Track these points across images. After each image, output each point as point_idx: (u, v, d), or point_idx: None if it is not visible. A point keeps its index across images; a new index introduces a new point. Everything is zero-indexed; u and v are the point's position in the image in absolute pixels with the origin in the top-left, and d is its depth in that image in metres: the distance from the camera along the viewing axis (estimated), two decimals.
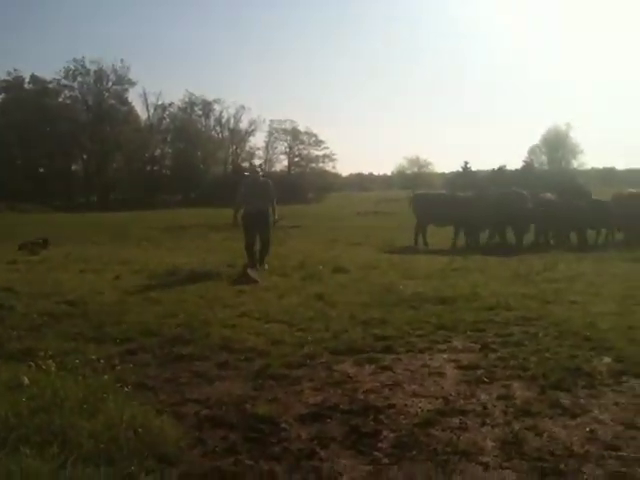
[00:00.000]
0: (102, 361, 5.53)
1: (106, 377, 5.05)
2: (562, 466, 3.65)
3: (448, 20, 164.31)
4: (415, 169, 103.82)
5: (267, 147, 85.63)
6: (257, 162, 14.85)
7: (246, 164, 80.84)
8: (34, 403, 4.23)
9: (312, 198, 76.71)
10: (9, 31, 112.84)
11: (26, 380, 4.76)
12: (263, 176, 12.78)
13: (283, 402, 4.80)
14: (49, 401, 4.30)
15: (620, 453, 3.82)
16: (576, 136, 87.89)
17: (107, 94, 74.48)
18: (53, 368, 5.04)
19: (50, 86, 72.37)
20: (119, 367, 5.52)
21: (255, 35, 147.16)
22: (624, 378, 5.27)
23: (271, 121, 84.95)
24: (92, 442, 3.71)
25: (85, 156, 73.70)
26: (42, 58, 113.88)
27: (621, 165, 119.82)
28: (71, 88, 73.65)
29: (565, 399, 4.76)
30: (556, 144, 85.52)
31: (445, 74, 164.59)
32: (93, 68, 72.73)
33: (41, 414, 4.05)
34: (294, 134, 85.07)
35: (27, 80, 71.61)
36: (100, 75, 73.29)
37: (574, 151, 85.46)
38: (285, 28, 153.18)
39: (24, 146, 65.15)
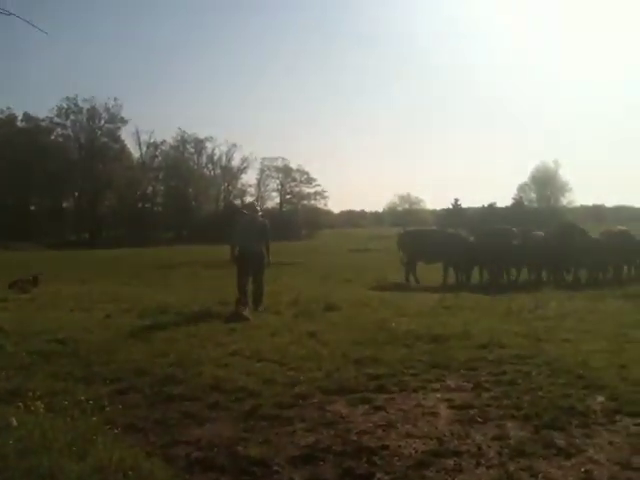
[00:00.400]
0: (91, 402, 5.45)
1: (95, 419, 4.98)
2: None
3: (433, 54, 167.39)
4: (406, 206, 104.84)
5: (259, 184, 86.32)
6: (254, 201, 14.69)
7: (239, 201, 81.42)
8: (22, 445, 4.17)
9: (304, 235, 77.00)
10: (1, 69, 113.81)
11: (14, 421, 4.69)
12: (262, 216, 12.75)
13: (275, 443, 4.74)
14: (37, 443, 4.23)
15: None
16: (565, 174, 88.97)
17: (99, 132, 75.07)
18: (42, 409, 4.97)
19: (43, 124, 72.97)
20: (108, 408, 5.44)
21: (247, 75, 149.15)
22: (618, 417, 5.25)
23: (263, 159, 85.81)
24: None
25: (77, 193, 73.82)
26: (35, 97, 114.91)
27: (610, 202, 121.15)
28: (64, 126, 74.35)
29: (559, 439, 4.72)
30: (545, 182, 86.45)
31: (435, 111, 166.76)
32: (86, 106, 73.56)
33: (29, 456, 3.99)
34: (286, 172, 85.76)
35: (20, 118, 72.18)
36: (93, 113, 73.98)
37: (563, 189, 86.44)
38: (275, 66, 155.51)
39: (16, 184, 65.19)
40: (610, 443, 4.67)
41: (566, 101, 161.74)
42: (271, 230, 12.38)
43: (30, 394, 5.45)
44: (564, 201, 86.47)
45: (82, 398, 5.52)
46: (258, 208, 12.60)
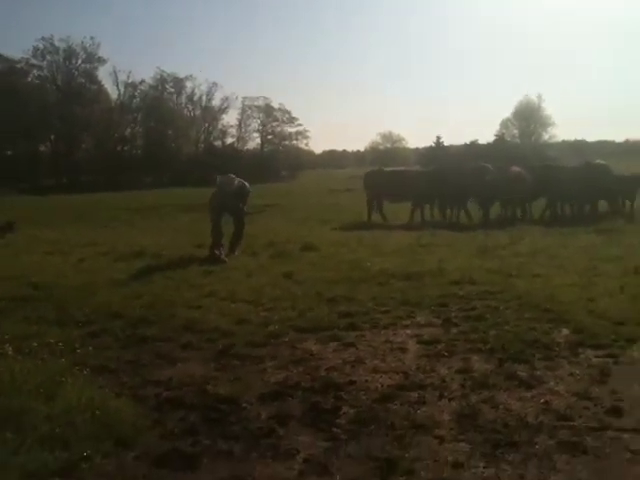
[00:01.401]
0: (61, 344, 5.48)
1: (65, 360, 5.00)
2: (515, 437, 3.73)
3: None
4: (388, 145, 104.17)
5: (240, 125, 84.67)
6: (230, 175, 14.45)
7: (220, 143, 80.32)
8: None
9: (285, 176, 76.37)
10: None
11: None
12: (239, 181, 12.42)
13: (245, 381, 4.82)
14: (6, 385, 4.25)
15: (572, 423, 3.92)
16: (547, 108, 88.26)
17: (76, 73, 72.76)
18: (10, 352, 4.97)
19: (18, 66, 70.52)
20: (79, 350, 5.48)
21: (227, 11, 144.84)
22: (580, 349, 5.39)
23: (244, 98, 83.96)
24: (48, 425, 3.69)
25: (53, 137, 72.25)
26: (9, 37, 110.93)
27: (592, 137, 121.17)
28: (40, 67, 71.87)
29: (522, 371, 4.85)
30: (528, 117, 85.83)
31: (418, 48, 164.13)
32: (62, 46, 71.01)
33: None
34: (267, 111, 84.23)
35: None
36: (69, 53, 71.50)
37: (545, 123, 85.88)
38: (257, 5, 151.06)
39: None
40: (571, 375, 4.80)
41: (550, 36, 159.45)
42: (248, 190, 12.23)
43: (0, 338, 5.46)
44: (546, 136, 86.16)
45: (52, 341, 5.54)
46: (234, 177, 12.25)
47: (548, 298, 7.05)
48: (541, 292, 7.41)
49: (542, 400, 4.29)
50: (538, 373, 4.81)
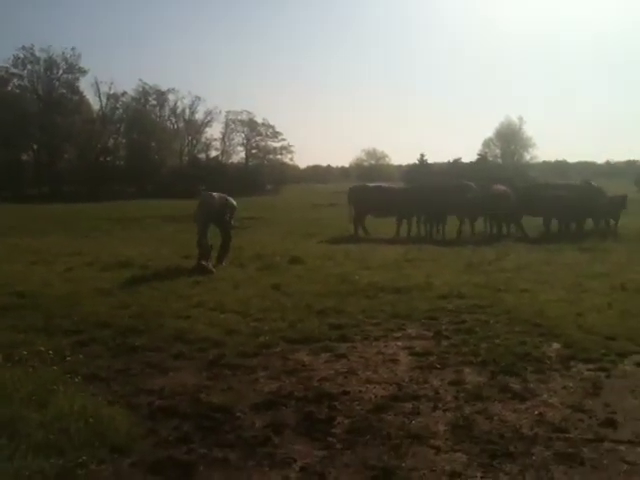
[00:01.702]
0: (52, 353, 5.42)
1: (56, 368, 4.95)
2: (511, 448, 3.75)
3: (401, 14, 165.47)
4: (372, 161, 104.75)
5: (224, 138, 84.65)
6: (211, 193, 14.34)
7: (204, 156, 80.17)
8: None
9: (270, 190, 76.35)
10: None
11: None
12: (223, 197, 12.40)
13: (237, 391, 4.80)
14: None
15: (568, 435, 3.94)
16: (528, 130, 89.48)
17: (57, 83, 72.37)
18: (0, 360, 4.91)
19: None
20: (70, 358, 5.43)
21: (212, 25, 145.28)
22: (572, 363, 5.45)
23: (227, 112, 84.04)
24: (42, 433, 3.66)
25: (35, 146, 71.68)
26: None
27: (572, 159, 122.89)
28: (20, 77, 71.38)
29: (515, 384, 4.89)
30: (509, 137, 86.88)
31: (402, 68, 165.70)
32: (43, 56, 70.68)
33: None
34: (251, 125, 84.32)
35: None
36: (50, 63, 71.16)
37: (526, 144, 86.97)
38: (244, 18, 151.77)
39: None
40: (564, 387, 4.85)
41: (531, 58, 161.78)
42: (233, 204, 12.26)
43: None
44: (527, 156, 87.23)
45: (42, 349, 5.47)
46: (215, 195, 12.25)
47: (537, 313, 7.12)
48: (529, 307, 7.48)
49: (536, 412, 4.32)
50: (531, 386, 4.85)
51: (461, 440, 3.87)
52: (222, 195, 12.19)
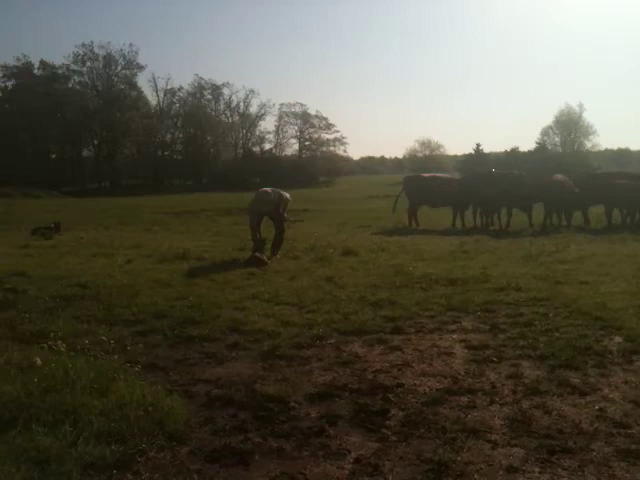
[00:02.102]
0: (113, 342, 5.57)
1: (116, 358, 5.10)
2: (570, 443, 3.65)
3: (455, 2, 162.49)
4: (427, 152, 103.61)
5: (277, 131, 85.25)
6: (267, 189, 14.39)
7: (258, 149, 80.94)
8: (46, 383, 4.29)
9: (323, 182, 76.58)
10: (18, 16, 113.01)
11: (39, 361, 4.82)
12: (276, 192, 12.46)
13: (292, 382, 4.83)
14: (61, 381, 4.34)
15: (630, 431, 3.82)
16: (589, 117, 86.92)
17: (116, 79, 74.20)
18: (64, 349, 5.08)
19: (59, 72, 72.19)
20: (130, 348, 5.57)
21: (265, 18, 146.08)
22: (634, 357, 5.27)
23: (281, 105, 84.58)
24: (103, 420, 3.76)
25: (96, 142, 73.74)
26: (50, 43, 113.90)
27: (635, 146, 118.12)
28: (80, 73, 73.39)
29: (575, 378, 4.76)
30: (569, 125, 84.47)
31: (457, 56, 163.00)
32: (102, 53, 72.47)
33: (53, 394, 4.11)
34: (304, 118, 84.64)
35: (36, 66, 71.54)
36: (109, 60, 72.98)
37: (587, 132, 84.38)
38: (296, 10, 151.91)
39: (35, 133, 65.24)
40: (625, 382, 4.69)
41: (591, 44, 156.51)
42: (286, 197, 12.34)
43: (53, 335, 5.58)
44: (588, 144, 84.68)
45: (104, 338, 5.63)
46: (269, 190, 12.30)
47: (598, 305, 6.92)
48: (590, 299, 7.27)
49: (597, 407, 4.20)
50: (591, 380, 4.72)
51: (518, 435, 3.79)
52: (276, 190, 12.28)
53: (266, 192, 12.16)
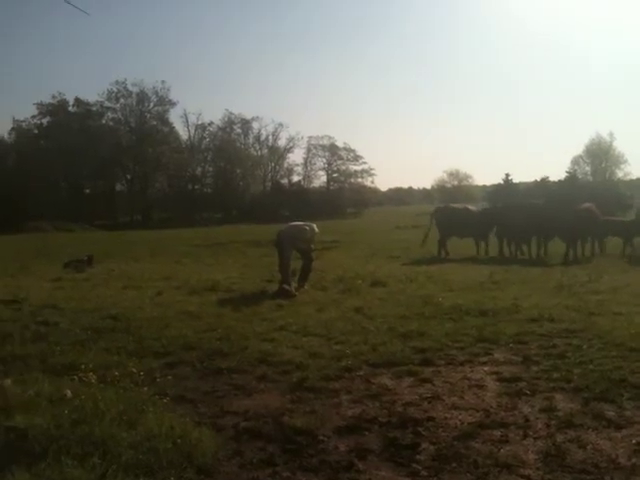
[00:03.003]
0: (142, 374, 5.59)
1: (146, 389, 5.11)
2: (607, 478, 3.55)
3: (484, 31, 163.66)
4: (455, 182, 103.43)
5: (305, 163, 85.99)
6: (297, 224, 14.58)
7: (286, 181, 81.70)
8: (76, 415, 4.31)
9: (351, 213, 76.81)
10: (53, 54, 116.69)
11: (69, 393, 4.86)
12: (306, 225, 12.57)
13: (321, 414, 4.78)
14: (90, 413, 4.37)
15: None
16: (620, 146, 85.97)
17: (148, 115, 75.82)
18: (94, 381, 5.12)
19: (93, 108, 74.07)
20: (159, 380, 5.58)
21: (292, 54, 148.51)
22: None
23: (309, 137, 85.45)
24: (132, 452, 3.76)
25: (128, 176, 75.16)
26: (84, 81, 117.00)
27: None
28: (113, 110, 75.26)
29: (610, 411, 4.64)
30: (599, 154, 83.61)
31: (487, 86, 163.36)
32: (135, 90, 74.27)
33: (82, 425, 4.13)
34: (332, 150, 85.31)
35: (71, 103, 73.49)
36: (142, 97, 74.70)
37: (618, 161, 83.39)
38: (322, 47, 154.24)
39: (69, 168, 66.80)
40: None
41: (622, 72, 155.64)
42: (312, 232, 12.38)
43: (84, 367, 5.62)
44: (619, 174, 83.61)
45: (134, 370, 5.66)
46: (307, 228, 12.38)
47: (633, 336, 6.76)
48: (625, 330, 7.11)
49: (634, 441, 4.08)
50: (627, 413, 4.59)
51: (553, 470, 3.69)
52: (310, 225, 12.33)
53: (303, 229, 12.21)
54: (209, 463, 3.81)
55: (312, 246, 12.56)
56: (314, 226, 12.42)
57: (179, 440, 3.94)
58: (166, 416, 4.38)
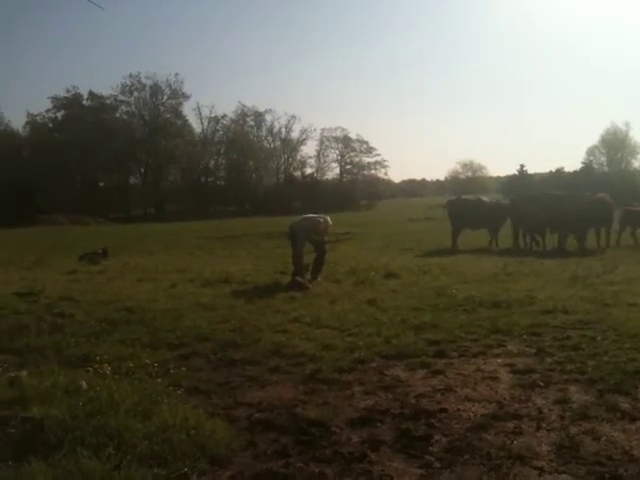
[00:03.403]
0: (156, 365, 5.63)
1: (160, 381, 5.15)
2: (621, 470, 3.53)
3: (499, 22, 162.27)
4: (469, 173, 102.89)
5: (318, 155, 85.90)
6: (311, 216, 14.49)
7: (299, 173, 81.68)
8: (91, 406, 4.35)
9: (364, 205, 76.70)
10: (67, 47, 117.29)
11: (84, 384, 4.90)
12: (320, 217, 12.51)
13: (334, 406, 4.79)
14: (105, 404, 4.40)
15: None
16: (636, 135, 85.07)
17: (162, 108, 76.01)
18: (109, 372, 5.16)
19: (107, 102, 74.39)
20: (173, 371, 5.62)
21: (305, 45, 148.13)
22: None
23: (322, 129, 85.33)
24: (146, 443, 3.79)
25: (142, 169, 75.43)
26: (98, 74, 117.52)
27: None
28: (127, 103, 75.51)
29: (624, 403, 4.60)
30: (615, 144, 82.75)
31: (498, 76, 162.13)
32: (148, 83, 74.43)
33: (97, 416, 4.16)
34: (345, 142, 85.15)
35: (85, 97, 73.83)
36: (155, 90, 74.88)
37: (634, 151, 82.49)
38: (335, 38, 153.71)
39: (83, 161, 67.17)
40: None
41: (637, 61, 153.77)
42: (325, 223, 12.35)
43: (99, 359, 5.67)
44: (635, 164, 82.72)
45: (148, 362, 5.70)
46: (320, 220, 12.31)
47: None
48: None
49: None
50: None
51: (566, 461, 3.68)
52: (324, 217, 12.33)
53: (317, 221, 12.20)
54: (222, 454, 3.83)
55: (325, 238, 12.57)
56: (327, 218, 12.43)
57: (193, 431, 3.97)
58: (180, 407, 4.40)
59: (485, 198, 22.08)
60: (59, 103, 72.68)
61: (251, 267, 14.41)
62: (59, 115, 73.28)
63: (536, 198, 20.02)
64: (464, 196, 23.14)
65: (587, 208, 17.73)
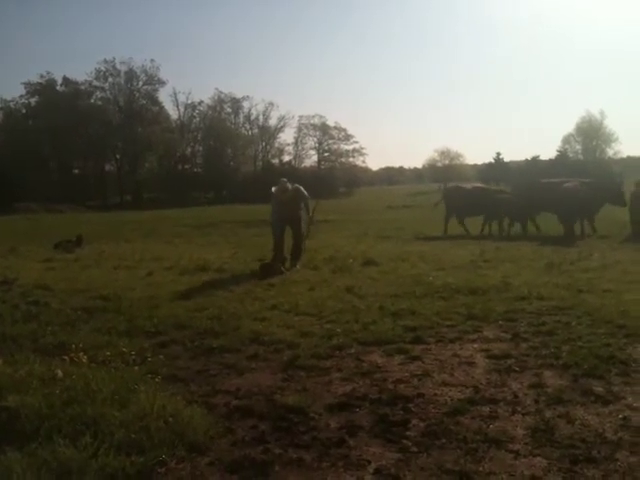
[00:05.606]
0: (133, 354, 5.60)
1: (137, 369, 5.12)
2: (594, 453, 3.59)
3: (474, 9, 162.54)
4: (446, 161, 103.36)
5: (296, 143, 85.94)
6: (282, 180, 14.21)
7: (277, 161, 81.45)
8: (67, 395, 4.31)
9: (342, 193, 76.80)
10: (40, 33, 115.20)
11: (60, 373, 4.85)
12: (295, 187, 12.26)
13: (312, 392, 4.81)
14: (82, 392, 4.36)
15: None
16: (610, 124, 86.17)
17: (138, 94, 75.22)
18: (85, 360, 5.12)
19: (82, 88, 73.38)
20: (150, 359, 5.59)
21: (282, 32, 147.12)
22: None
23: (300, 117, 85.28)
24: (123, 431, 3.77)
25: (118, 156, 74.64)
26: (73, 60, 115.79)
27: None
28: (102, 89, 74.66)
29: (598, 387, 4.68)
30: (590, 133, 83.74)
31: (476, 64, 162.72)
32: (124, 69, 73.63)
33: (74, 405, 4.13)
34: (323, 129, 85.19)
35: (59, 82, 72.70)
36: (131, 75, 74.08)
37: (609, 139, 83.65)
38: (313, 25, 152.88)
39: (58, 148, 66.34)
40: None
41: (611, 51, 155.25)
42: (304, 193, 12.24)
43: (75, 347, 5.62)
44: (610, 152, 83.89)
45: (125, 350, 5.66)
46: (288, 185, 12.14)
47: (622, 314, 6.81)
48: (613, 308, 7.16)
49: (621, 416, 4.12)
50: (615, 389, 4.63)
51: (541, 444, 3.73)
52: (295, 185, 12.19)
53: (282, 183, 12.04)
54: (201, 441, 3.82)
55: (311, 215, 12.54)
56: (301, 188, 12.24)
57: (171, 419, 3.95)
58: (158, 395, 4.37)
59: (481, 185, 22.39)
60: (32, 89, 71.57)
61: (229, 255, 14.36)
62: (33, 101, 72.17)
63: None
64: (458, 184, 23.46)
65: (562, 196, 17.91)
